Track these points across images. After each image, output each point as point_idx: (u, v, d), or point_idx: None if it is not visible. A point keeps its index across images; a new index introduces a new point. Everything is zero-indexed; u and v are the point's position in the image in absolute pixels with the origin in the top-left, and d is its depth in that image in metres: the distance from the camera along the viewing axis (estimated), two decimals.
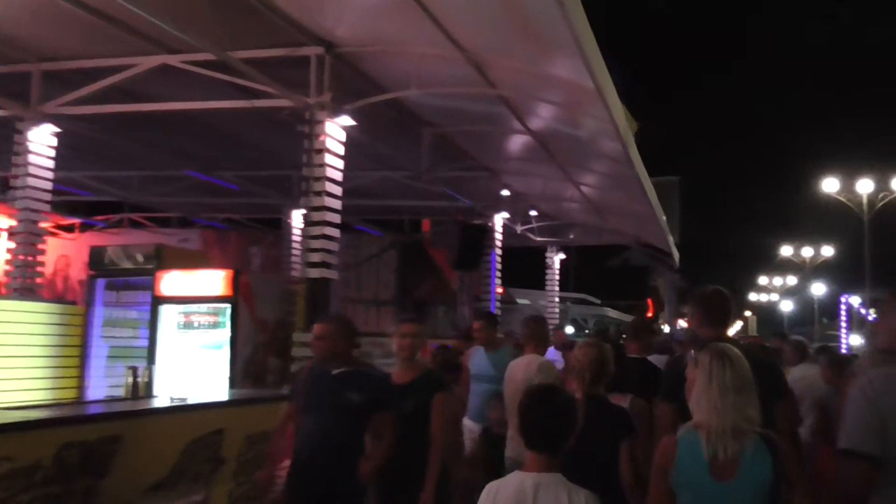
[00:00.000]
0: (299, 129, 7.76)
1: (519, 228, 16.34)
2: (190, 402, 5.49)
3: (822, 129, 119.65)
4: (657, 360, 5.86)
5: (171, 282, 7.73)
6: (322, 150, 7.55)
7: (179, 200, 15.02)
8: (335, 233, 7.71)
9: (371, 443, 4.30)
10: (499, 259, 15.05)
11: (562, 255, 18.86)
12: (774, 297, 51.96)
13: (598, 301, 33.91)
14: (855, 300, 46.43)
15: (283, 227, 14.55)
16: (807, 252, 39.17)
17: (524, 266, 21.15)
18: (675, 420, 3.32)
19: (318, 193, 7.55)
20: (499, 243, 14.95)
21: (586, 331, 28.50)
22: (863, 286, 28.91)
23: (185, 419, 5.30)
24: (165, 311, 7.70)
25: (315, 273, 7.52)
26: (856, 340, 36.93)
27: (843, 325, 40.11)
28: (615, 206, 14.12)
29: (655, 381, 5.20)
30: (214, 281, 7.64)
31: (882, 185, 24.55)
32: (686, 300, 51.10)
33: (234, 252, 16.06)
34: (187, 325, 7.67)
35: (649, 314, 35.37)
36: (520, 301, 23.76)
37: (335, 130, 7.67)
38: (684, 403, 2.97)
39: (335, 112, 7.57)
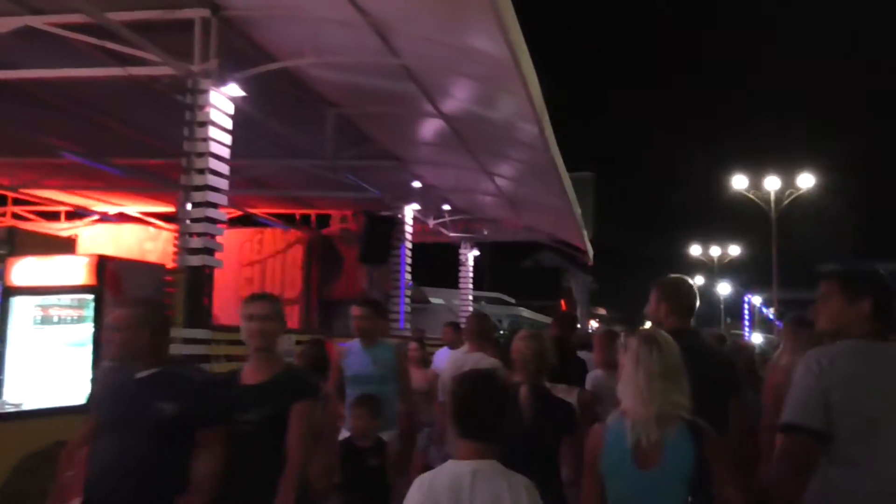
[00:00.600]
0: (180, 100, 6.95)
1: (431, 222, 15.79)
2: (25, 408, 4.63)
3: (731, 125, 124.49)
4: (582, 355, 5.81)
5: (25, 270, 6.74)
6: (206, 123, 6.78)
7: (66, 192, 13.88)
8: (220, 216, 6.94)
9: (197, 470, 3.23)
10: (409, 253, 14.43)
11: (476, 252, 18.39)
12: None
13: (513, 300, 33.70)
14: (757, 300, 48.10)
15: (179, 220, 13.53)
16: (715, 251, 40.10)
17: (437, 263, 20.55)
18: None
19: (201, 171, 6.78)
20: (409, 236, 14.33)
21: (501, 331, 28.18)
22: (769, 284, 29.70)
23: (18, 429, 4.46)
24: (18, 303, 6.73)
25: (196, 261, 6.71)
26: (758, 339, 38.19)
27: (746, 323, 41.52)
28: (530, 200, 13.70)
29: (583, 375, 5.01)
30: (76, 268, 6.66)
31: (788, 182, 25.10)
32: (599, 301, 51.99)
33: (129, 248, 14.94)
34: (45, 320, 6.70)
35: None
36: (433, 300, 23.15)
37: (221, 101, 6.91)
38: None
39: (221, 81, 6.81)
